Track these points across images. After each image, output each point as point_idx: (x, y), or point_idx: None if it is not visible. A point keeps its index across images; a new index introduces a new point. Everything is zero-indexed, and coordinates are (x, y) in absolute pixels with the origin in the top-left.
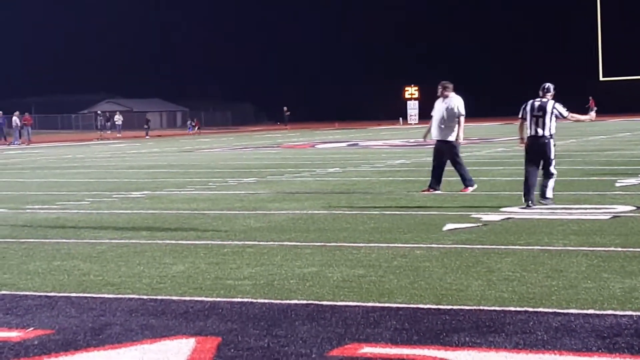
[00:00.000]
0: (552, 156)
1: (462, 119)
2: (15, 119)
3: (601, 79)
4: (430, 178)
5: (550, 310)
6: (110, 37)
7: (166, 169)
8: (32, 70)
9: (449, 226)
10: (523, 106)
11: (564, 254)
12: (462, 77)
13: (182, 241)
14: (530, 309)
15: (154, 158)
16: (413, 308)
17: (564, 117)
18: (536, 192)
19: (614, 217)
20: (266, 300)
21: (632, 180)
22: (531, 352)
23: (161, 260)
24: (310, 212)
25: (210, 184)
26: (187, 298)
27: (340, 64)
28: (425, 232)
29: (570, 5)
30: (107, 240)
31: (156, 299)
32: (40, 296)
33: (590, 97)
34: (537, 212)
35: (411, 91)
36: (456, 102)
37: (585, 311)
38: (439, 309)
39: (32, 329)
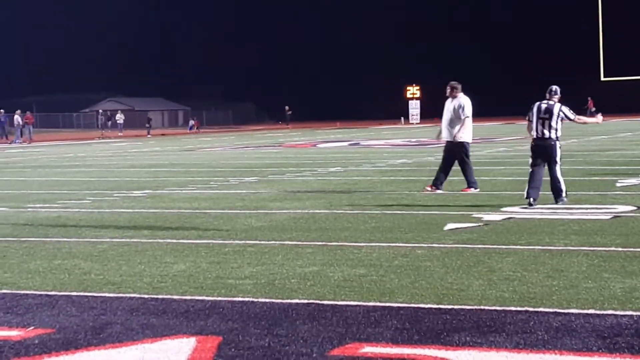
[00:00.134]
0: (558, 158)
1: (467, 120)
2: (17, 118)
3: (602, 79)
4: (435, 176)
5: (550, 310)
6: (112, 36)
7: (168, 168)
8: (34, 69)
9: (450, 226)
10: (530, 108)
11: (564, 253)
12: (464, 77)
13: (183, 240)
14: (531, 309)
15: (156, 157)
16: (414, 308)
17: (571, 120)
18: (541, 193)
19: (615, 217)
20: (267, 300)
21: (633, 181)
22: (532, 352)
23: (162, 260)
24: (311, 211)
25: (211, 183)
26: (188, 297)
27: (341, 63)
28: (426, 231)
29: (571, 5)
30: (108, 239)
31: (157, 298)
32: (40, 295)
33: (589, 98)
34: (538, 212)
35: (412, 91)
36: (462, 102)
37: (585, 311)
38: (440, 309)
39: (32, 327)
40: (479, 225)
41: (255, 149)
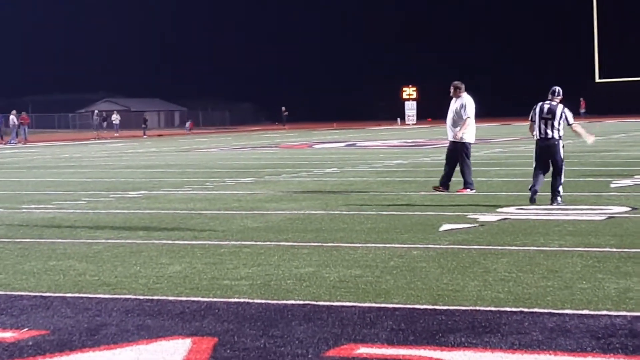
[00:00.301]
0: (561, 158)
1: (468, 120)
2: (13, 118)
3: (597, 80)
4: (441, 176)
5: (545, 310)
6: (109, 37)
7: (163, 168)
8: (30, 69)
9: (446, 227)
10: (533, 109)
11: (559, 254)
12: (460, 79)
13: (178, 241)
14: (526, 310)
15: (152, 158)
16: (409, 308)
17: (569, 124)
18: (542, 193)
19: (609, 217)
20: (263, 301)
21: (627, 182)
22: (526, 353)
23: (158, 261)
24: (307, 212)
25: (207, 184)
26: (184, 298)
27: (338, 64)
28: (422, 232)
29: (566, 7)
30: (103, 240)
31: (152, 299)
32: (35, 296)
33: (582, 99)
34: (533, 213)
35: (409, 92)
36: (464, 102)
37: (580, 312)
38: (435, 310)
39: (26, 329)
40: (475, 226)
41: (252, 149)
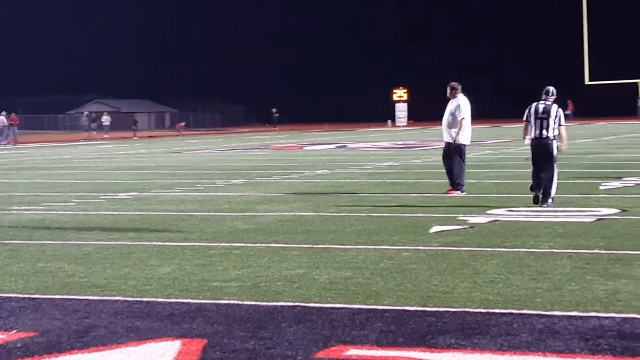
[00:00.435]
0: (554, 157)
1: (463, 122)
2: (2, 119)
3: (587, 82)
4: (449, 180)
5: (534, 312)
6: (99, 38)
7: (154, 170)
8: (19, 70)
9: (436, 228)
10: (527, 109)
11: (549, 256)
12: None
13: (168, 243)
14: (515, 311)
15: (142, 159)
16: (399, 310)
17: (559, 125)
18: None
19: (599, 219)
20: (252, 302)
21: (616, 184)
22: (515, 354)
23: (147, 262)
24: (298, 213)
25: (198, 185)
26: (173, 300)
27: (329, 66)
28: (412, 234)
29: (557, 10)
30: (93, 242)
31: (142, 301)
32: (24, 298)
33: (569, 101)
34: (523, 215)
35: (399, 93)
36: (459, 103)
37: (569, 313)
38: (425, 311)
39: (15, 331)
40: (465, 228)
41: (242, 151)
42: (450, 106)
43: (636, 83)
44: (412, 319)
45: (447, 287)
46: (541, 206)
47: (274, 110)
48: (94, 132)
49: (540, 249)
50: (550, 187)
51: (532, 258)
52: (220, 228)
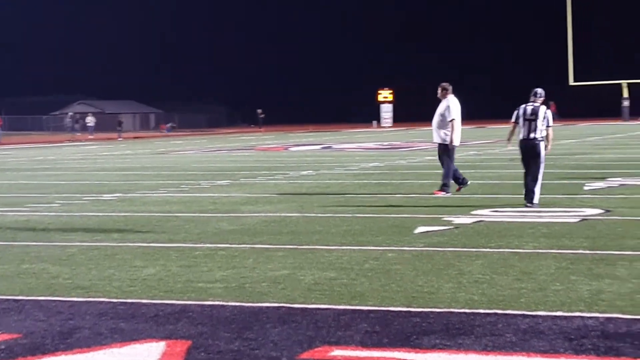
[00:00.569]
0: (542, 159)
1: (454, 122)
2: None
3: (571, 83)
4: (453, 178)
5: (519, 312)
6: (83, 39)
7: (139, 171)
8: (2, 70)
9: (421, 229)
10: (516, 111)
11: (533, 256)
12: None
13: (153, 244)
14: (500, 311)
15: (127, 160)
16: (384, 311)
17: (547, 126)
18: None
19: (583, 220)
20: (237, 303)
21: (600, 184)
22: (500, 354)
23: (132, 263)
24: (283, 214)
25: (183, 186)
26: (158, 301)
27: (314, 67)
28: (397, 234)
29: (541, 11)
30: (77, 243)
31: (126, 302)
32: (7, 300)
33: (552, 102)
34: (508, 215)
35: (385, 94)
36: (448, 104)
37: (553, 313)
38: (410, 312)
39: None
40: (450, 229)
41: (228, 152)
42: (440, 107)
43: (620, 84)
44: (397, 320)
45: (432, 287)
46: (526, 205)
47: (259, 111)
48: (78, 134)
49: (524, 249)
50: (534, 186)
51: (517, 258)
52: (205, 229)
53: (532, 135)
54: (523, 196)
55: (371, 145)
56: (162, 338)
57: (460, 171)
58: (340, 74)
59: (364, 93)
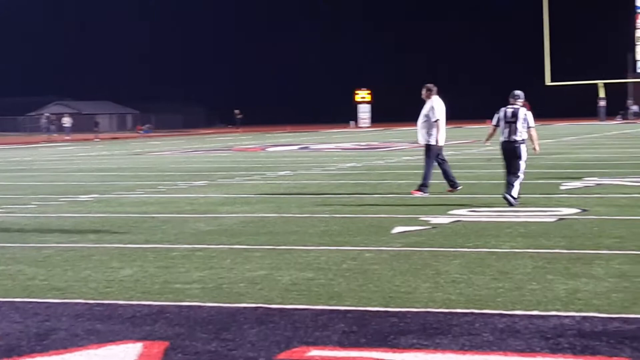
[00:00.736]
0: (524, 159)
1: (439, 122)
2: None
3: (547, 84)
4: (446, 180)
5: (495, 311)
6: (59, 38)
7: (115, 172)
8: None
9: (398, 229)
10: (496, 114)
11: (510, 256)
12: (415, 82)
13: (130, 245)
14: (477, 311)
15: (103, 161)
16: (361, 311)
17: (529, 127)
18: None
19: (559, 219)
20: (215, 304)
21: (576, 184)
22: (477, 354)
23: (109, 264)
24: (260, 215)
25: (160, 187)
26: (135, 302)
27: (292, 66)
28: (374, 234)
29: (517, 11)
30: (53, 245)
31: (103, 304)
32: None
33: (525, 101)
34: (485, 215)
35: (362, 94)
36: (433, 105)
37: (530, 312)
38: (387, 312)
39: None
40: (427, 228)
41: (205, 152)
42: (425, 108)
43: (596, 84)
44: (374, 320)
45: (409, 287)
46: (504, 196)
47: (237, 111)
48: (55, 134)
49: (501, 248)
50: (514, 180)
51: (494, 258)
52: (183, 230)
53: (513, 137)
54: (502, 195)
55: (349, 145)
56: (139, 339)
57: (437, 171)
58: (317, 74)
59: (342, 93)
